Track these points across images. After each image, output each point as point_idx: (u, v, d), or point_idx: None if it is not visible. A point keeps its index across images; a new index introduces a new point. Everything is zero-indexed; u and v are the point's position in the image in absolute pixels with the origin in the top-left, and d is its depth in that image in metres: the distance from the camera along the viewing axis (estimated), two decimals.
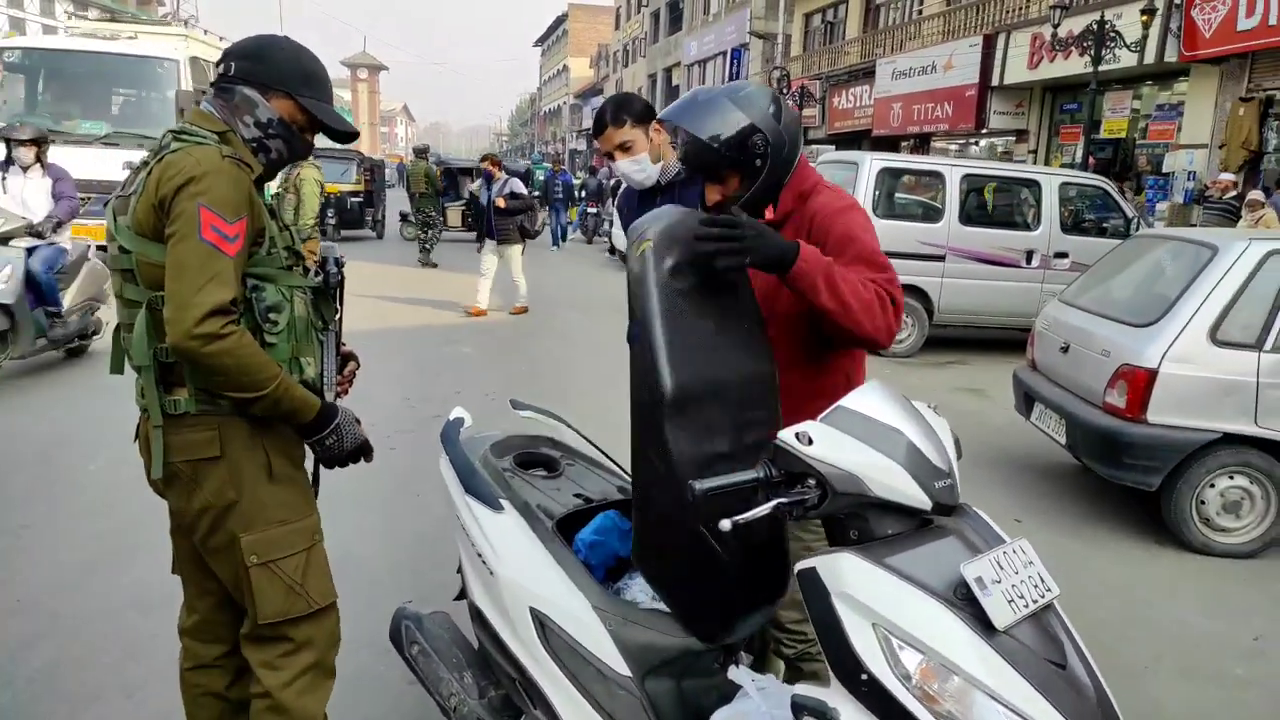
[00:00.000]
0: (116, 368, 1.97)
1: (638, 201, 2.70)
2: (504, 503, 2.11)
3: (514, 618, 2.01)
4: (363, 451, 2.01)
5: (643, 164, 2.55)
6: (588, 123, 59.15)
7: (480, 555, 2.12)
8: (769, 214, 2.08)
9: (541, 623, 1.95)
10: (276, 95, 1.88)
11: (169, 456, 1.81)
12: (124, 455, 4.75)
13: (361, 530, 4.00)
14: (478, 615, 2.18)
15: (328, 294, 2.04)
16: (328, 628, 1.97)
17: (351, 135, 2.01)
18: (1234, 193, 10.84)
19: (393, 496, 4.43)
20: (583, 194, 21.61)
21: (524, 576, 2.00)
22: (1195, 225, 10.76)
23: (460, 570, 2.33)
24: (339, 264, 2.06)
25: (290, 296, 1.89)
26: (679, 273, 1.79)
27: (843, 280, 1.83)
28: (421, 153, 16.89)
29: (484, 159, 10.83)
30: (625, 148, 2.54)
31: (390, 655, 2.80)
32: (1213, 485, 4.27)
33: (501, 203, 9.96)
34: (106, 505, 4.15)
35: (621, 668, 1.85)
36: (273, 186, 7.91)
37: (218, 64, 1.93)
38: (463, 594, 2.34)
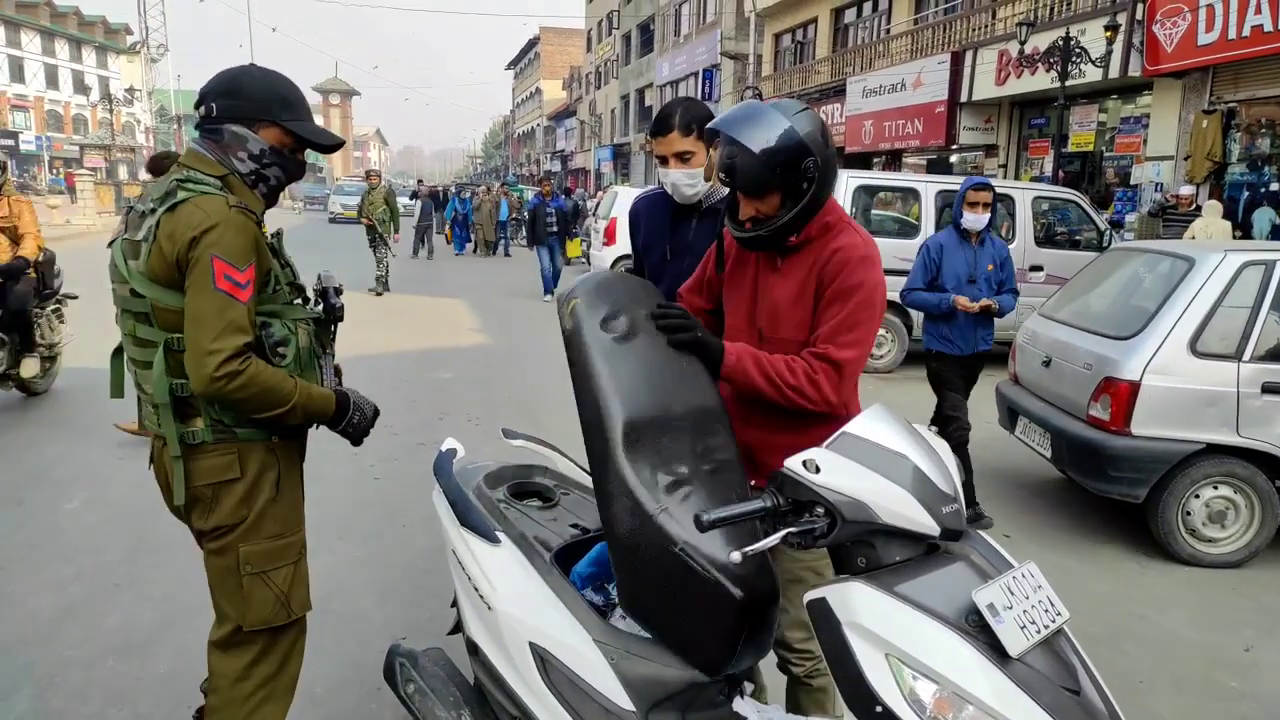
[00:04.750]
0: (117, 392, 2.11)
1: (670, 220, 2.57)
2: (500, 535, 2.07)
3: (513, 653, 1.97)
4: (376, 415, 2.20)
5: (696, 178, 2.43)
6: (562, 144, 59.57)
7: (477, 589, 2.08)
8: (791, 239, 2.04)
9: (542, 658, 1.91)
10: (262, 125, 1.99)
11: (192, 481, 1.94)
12: (102, 493, 4.69)
13: (349, 563, 3.93)
14: (475, 651, 2.14)
15: (328, 323, 2.20)
16: (294, 637, 2.13)
17: (337, 145, 2.12)
18: (1194, 206, 11.05)
19: (380, 528, 4.36)
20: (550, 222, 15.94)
21: (523, 610, 1.97)
22: (1161, 238, 10.93)
23: (455, 604, 2.29)
24: (338, 293, 2.23)
25: (295, 329, 2.02)
26: (610, 322, 1.92)
27: (770, 370, 1.97)
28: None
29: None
30: (684, 158, 2.41)
31: (383, 694, 2.75)
32: (1198, 496, 4.30)
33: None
34: (86, 546, 4.05)
35: (625, 702, 1.82)
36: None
37: (197, 106, 2.00)
38: (458, 628, 2.30)
